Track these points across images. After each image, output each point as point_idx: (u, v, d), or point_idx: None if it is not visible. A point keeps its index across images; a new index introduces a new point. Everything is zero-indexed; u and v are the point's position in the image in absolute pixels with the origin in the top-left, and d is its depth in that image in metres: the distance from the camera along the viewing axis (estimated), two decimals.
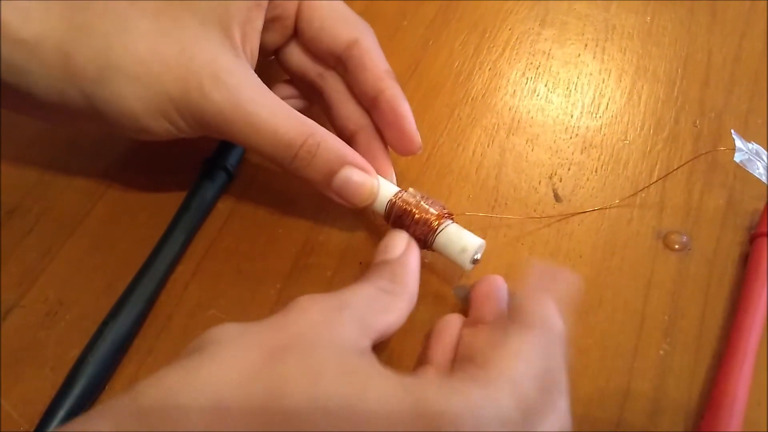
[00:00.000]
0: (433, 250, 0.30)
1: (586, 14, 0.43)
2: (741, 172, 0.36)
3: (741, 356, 0.29)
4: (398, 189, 0.31)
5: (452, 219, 0.30)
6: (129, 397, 0.19)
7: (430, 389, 0.21)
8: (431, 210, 0.30)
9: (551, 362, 0.23)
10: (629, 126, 0.38)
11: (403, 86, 0.39)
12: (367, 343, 0.23)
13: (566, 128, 0.38)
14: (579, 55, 0.41)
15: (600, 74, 0.41)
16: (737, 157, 0.35)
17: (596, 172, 0.37)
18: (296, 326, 0.22)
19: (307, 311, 0.23)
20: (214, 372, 0.20)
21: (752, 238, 0.33)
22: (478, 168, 0.36)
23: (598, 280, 0.33)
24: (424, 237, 0.30)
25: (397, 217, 0.30)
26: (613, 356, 0.31)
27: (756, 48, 0.41)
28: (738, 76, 0.40)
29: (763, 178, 0.35)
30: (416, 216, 0.30)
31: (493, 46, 0.42)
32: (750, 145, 0.35)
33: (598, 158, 0.37)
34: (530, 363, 0.23)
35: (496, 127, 0.38)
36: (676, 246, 0.34)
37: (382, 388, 0.21)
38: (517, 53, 0.41)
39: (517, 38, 0.42)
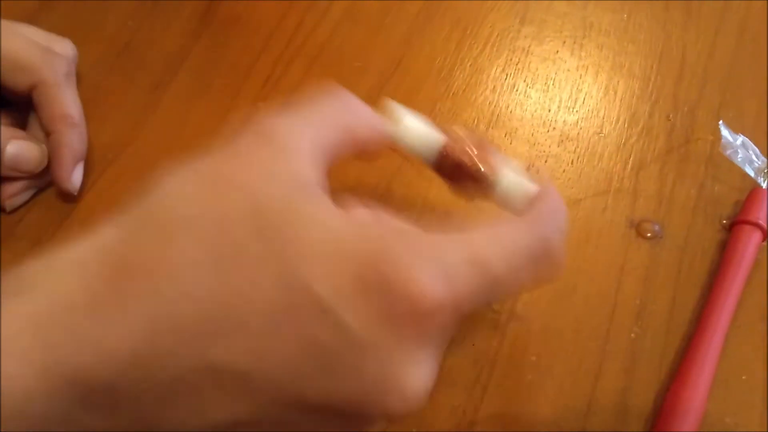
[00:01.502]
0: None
1: (565, 12, 0.44)
2: (712, 164, 0.38)
3: (711, 336, 0.31)
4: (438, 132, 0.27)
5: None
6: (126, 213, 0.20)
7: (379, 225, 0.21)
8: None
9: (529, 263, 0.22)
10: (605, 120, 0.40)
11: (386, 82, 0.41)
12: (319, 173, 0.22)
13: (544, 122, 0.39)
14: (557, 51, 0.43)
15: (577, 70, 0.42)
16: (723, 148, 0.36)
17: (572, 164, 0.38)
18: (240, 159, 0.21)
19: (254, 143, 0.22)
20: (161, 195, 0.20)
21: (731, 225, 0.34)
22: None
23: (573, 266, 0.34)
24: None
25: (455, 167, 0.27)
26: (586, 339, 0.32)
27: (729, 44, 0.43)
28: (711, 71, 0.42)
29: (749, 170, 0.36)
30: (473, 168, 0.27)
31: (474, 43, 0.43)
32: (737, 137, 0.36)
33: (574, 150, 0.38)
34: (510, 245, 0.22)
35: (476, 121, 0.39)
36: (649, 234, 0.35)
37: (326, 215, 0.20)
38: (497, 50, 0.43)
39: (497, 35, 0.43)
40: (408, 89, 0.41)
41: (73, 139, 0.34)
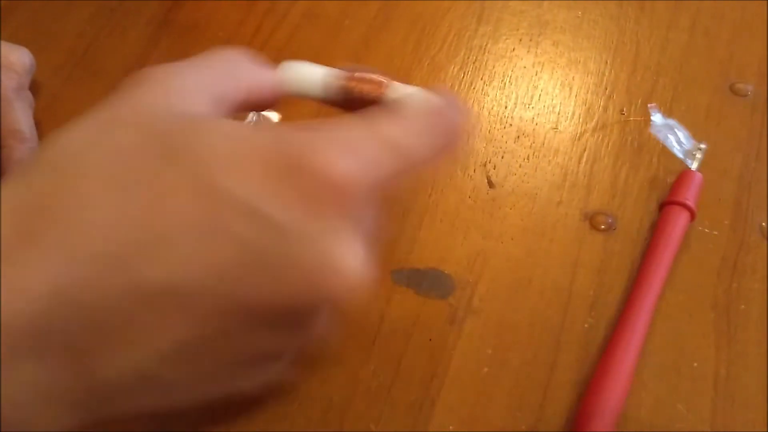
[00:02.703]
0: None
1: (521, 10, 0.45)
2: (665, 156, 0.38)
3: (636, 316, 0.32)
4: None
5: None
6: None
7: (283, 127, 0.21)
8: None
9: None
10: (560, 115, 0.40)
11: None
12: (209, 111, 0.23)
13: (500, 119, 0.40)
14: (513, 49, 0.43)
15: (533, 67, 0.42)
16: (652, 130, 0.37)
17: (528, 159, 0.38)
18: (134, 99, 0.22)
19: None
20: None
21: (661, 207, 0.35)
22: None
23: (528, 260, 0.35)
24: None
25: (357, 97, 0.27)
26: (541, 331, 0.33)
27: (681, 39, 0.43)
28: (663, 65, 0.42)
29: (677, 151, 0.36)
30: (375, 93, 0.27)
31: (432, 43, 0.43)
32: (667, 120, 0.37)
33: (530, 146, 0.39)
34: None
35: None
36: (602, 227, 0.36)
37: (227, 126, 0.20)
38: (454, 49, 0.43)
39: (454, 35, 0.44)
40: None
41: (23, 155, 0.34)
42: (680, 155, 0.36)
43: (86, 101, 0.39)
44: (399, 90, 0.27)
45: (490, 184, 0.37)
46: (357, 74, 0.27)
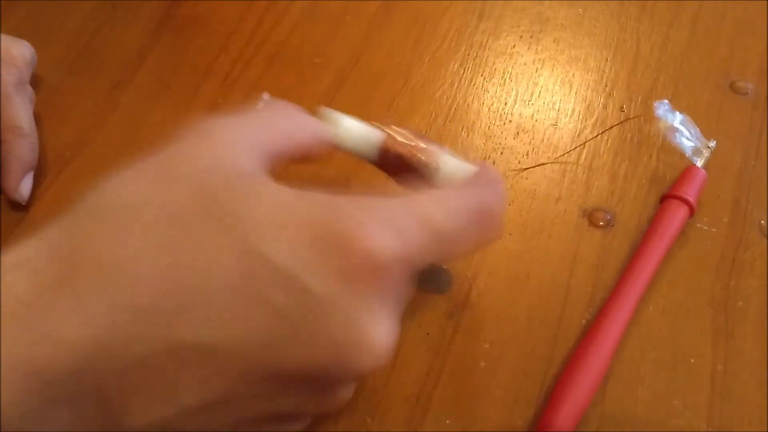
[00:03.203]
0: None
1: (522, 7, 0.45)
2: (664, 153, 0.38)
3: (622, 302, 0.32)
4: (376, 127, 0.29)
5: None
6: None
7: (328, 195, 0.21)
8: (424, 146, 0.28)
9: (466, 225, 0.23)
10: (560, 112, 0.40)
11: (346, 78, 0.41)
12: (259, 168, 0.23)
13: (500, 115, 0.40)
14: (514, 46, 0.43)
15: (533, 64, 0.42)
16: (660, 125, 0.37)
17: (527, 155, 0.38)
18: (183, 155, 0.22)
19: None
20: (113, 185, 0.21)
21: (661, 200, 0.35)
22: None
23: (527, 256, 0.35)
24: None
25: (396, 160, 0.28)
26: (539, 326, 0.33)
27: (681, 36, 0.43)
28: (664, 62, 0.42)
29: (686, 148, 0.36)
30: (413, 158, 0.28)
31: (433, 39, 0.43)
32: (675, 117, 0.37)
33: (530, 142, 0.39)
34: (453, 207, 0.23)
35: (433, 115, 0.40)
36: (601, 223, 0.36)
37: (274, 192, 0.21)
38: (455, 45, 0.43)
39: (455, 31, 0.44)
40: (367, 85, 0.41)
41: (22, 150, 0.34)
42: (688, 152, 0.36)
43: (87, 95, 0.39)
44: (445, 161, 0.27)
45: None
46: (397, 136, 0.28)
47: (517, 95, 0.41)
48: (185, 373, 0.19)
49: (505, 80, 0.42)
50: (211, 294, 0.19)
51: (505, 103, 0.41)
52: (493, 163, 0.38)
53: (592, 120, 0.40)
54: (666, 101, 0.37)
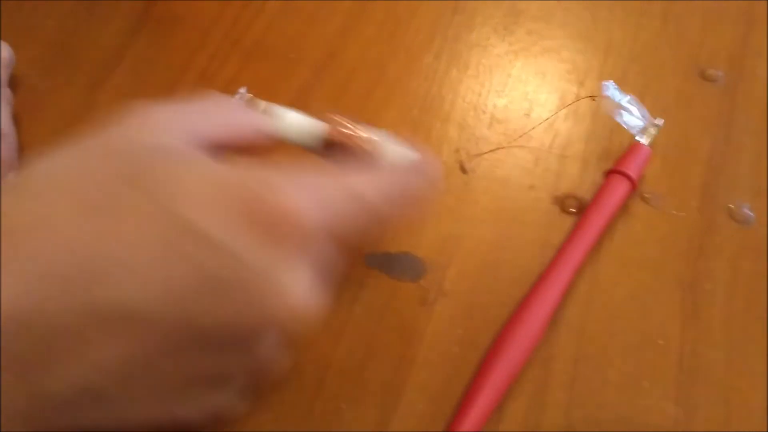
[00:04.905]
0: None
1: (496, 0, 0.45)
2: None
3: (556, 275, 0.33)
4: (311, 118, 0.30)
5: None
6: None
7: (259, 169, 0.22)
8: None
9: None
10: (533, 102, 0.41)
11: (321, 73, 0.42)
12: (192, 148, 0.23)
13: (474, 106, 0.41)
14: (488, 38, 0.44)
15: (507, 55, 0.43)
16: (604, 105, 0.37)
17: (501, 145, 0.39)
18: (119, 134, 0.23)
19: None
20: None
21: (606, 175, 0.36)
22: None
23: (499, 243, 0.35)
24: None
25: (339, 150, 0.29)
26: (511, 312, 0.33)
27: (652, 26, 0.44)
28: (636, 52, 0.43)
29: (631, 127, 0.37)
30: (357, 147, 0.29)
31: (407, 33, 0.44)
32: (624, 96, 0.37)
33: (503, 132, 0.39)
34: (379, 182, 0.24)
35: (409, 107, 0.40)
36: (572, 209, 0.36)
37: (204, 164, 0.21)
38: (429, 38, 0.44)
39: (430, 24, 0.44)
40: (342, 79, 0.42)
41: (1, 151, 0.35)
42: (633, 130, 0.36)
43: (65, 94, 0.40)
44: (388, 150, 0.28)
45: (463, 169, 0.38)
46: (339, 127, 0.28)
47: (491, 86, 0.42)
48: (104, 335, 0.19)
49: (479, 72, 0.42)
50: (132, 259, 0.19)
51: (479, 95, 0.41)
52: (467, 153, 0.39)
53: (565, 109, 0.40)
54: (612, 81, 0.38)
